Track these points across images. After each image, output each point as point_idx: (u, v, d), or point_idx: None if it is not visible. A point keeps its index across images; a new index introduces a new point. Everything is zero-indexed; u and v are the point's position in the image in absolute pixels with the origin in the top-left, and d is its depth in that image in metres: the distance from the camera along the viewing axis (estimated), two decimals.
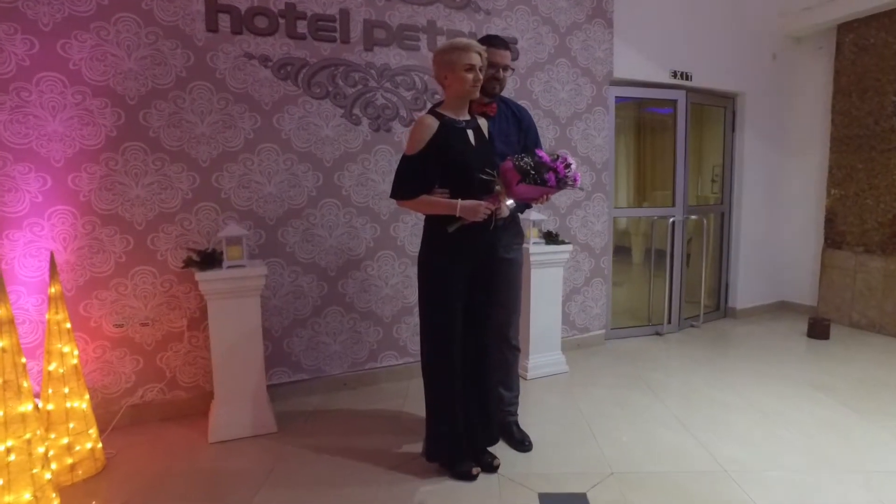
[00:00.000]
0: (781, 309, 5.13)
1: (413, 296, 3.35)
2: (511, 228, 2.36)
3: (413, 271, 3.34)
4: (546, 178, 1.95)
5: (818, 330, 4.21)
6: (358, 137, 3.11)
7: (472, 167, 2.03)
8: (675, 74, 4.15)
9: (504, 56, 2.26)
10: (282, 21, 2.85)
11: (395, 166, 3.25)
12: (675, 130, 4.27)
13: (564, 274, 3.72)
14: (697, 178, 5.22)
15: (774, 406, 2.92)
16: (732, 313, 4.91)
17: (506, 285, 2.35)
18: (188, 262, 2.56)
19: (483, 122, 2.22)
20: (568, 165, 2.00)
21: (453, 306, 2.11)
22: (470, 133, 2.11)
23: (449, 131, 2.04)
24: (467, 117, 2.14)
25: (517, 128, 2.38)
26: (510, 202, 2.08)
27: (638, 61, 4.01)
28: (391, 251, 3.27)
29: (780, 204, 5.02)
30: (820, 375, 3.39)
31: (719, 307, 4.93)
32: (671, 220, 4.27)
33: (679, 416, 2.81)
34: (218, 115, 2.77)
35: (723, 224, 4.82)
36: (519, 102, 2.57)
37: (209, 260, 2.57)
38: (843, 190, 4.51)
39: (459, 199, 2.00)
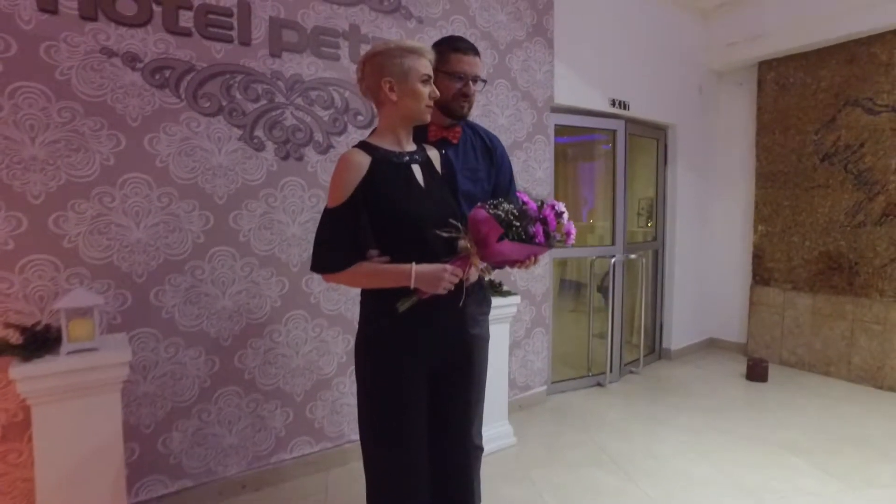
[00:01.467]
0: (711, 347, 5.01)
1: (330, 366, 2.67)
2: (475, 294, 1.79)
3: (330, 334, 2.66)
4: (532, 233, 1.41)
5: (757, 372, 4.06)
6: (260, 167, 2.41)
7: (425, 218, 1.46)
8: (613, 103, 3.86)
9: (476, 64, 1.71)
10: (157, 9, 2.12)
11: (308, 203, 2.62)
12: (613, 162, 3.97)
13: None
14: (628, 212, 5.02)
15: (755, 481, 2.58)
16: (668, 355, 4.68)
17: (474, 374, 1.76)
18: (2, 348, 1.72)
19: (434, 154, 1.64)
20: (559, 215, 1.45)
21: (412, 413, 1.50)
22: (417, 169, 1.53)
23: (386, 169, 1.47)
24: (412, 147, 1.57)
25: (488, 161, 1.82)
26: (482, 265, 1.50)
27: (578, 87, 3.67)
28: (303, 311, 2.57)
29: (710, 239, 4.93)
30: (783, 432, 3.14)
31: (654, 349, 4.69)
32: (612, 259, 3.95)
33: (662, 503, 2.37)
34: (59, 132, 1.97)
35: (657, 262, 4.60)
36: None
37: (39, 343, 1.75)
38: (770, 226, 4.47)
39: (414, 264, 1.42)
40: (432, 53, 1.51)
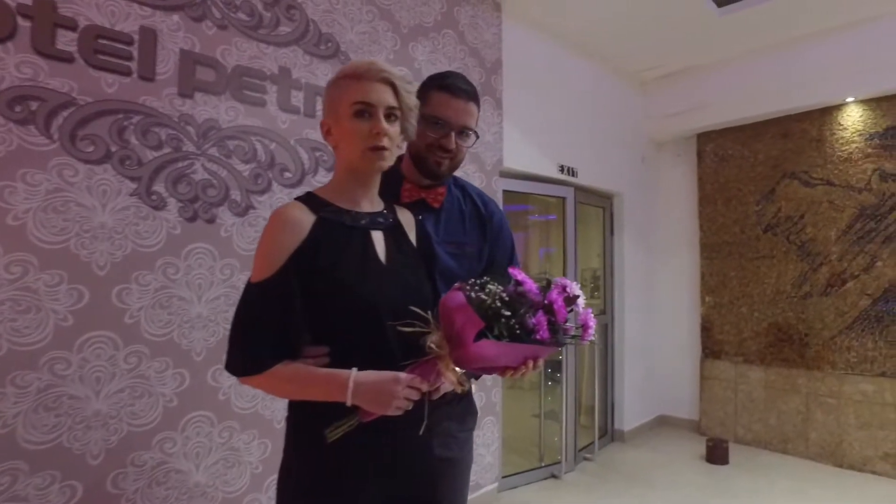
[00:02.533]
0: (663, 425, 4.73)
1: (240, 479, 2.09)
2: (455, 405, 1.35)
3: (243, 439, 2.10)
4: (532, 326, 0.98)
5: (717, 455, 3.78)
6: (159, 229, 1.90)
7: (382, 304, 1.05)
8: (562, 169, 3.67)
9: (467, 112, 1.31)
10: (25, 24, 1.65)
11: (219, 276, 2.11)
12: (563, 231, 3.74)
13: None
14: None
15: None
16: (621, 436, 4.34)
17: None
18: None
19: (408, 219, 1.25)
20: (572, 300, 1.05)
21: None
22: (378, 237, 1.14)
23: (335, 233, 1.08)
24: (376, 208, 1.17)
25: (479, 232, 1.41)
26: (457, 374, 1.04)
27: (527, 151, 3.45)
28: (207, 411, 2.01)
29: (657, 312, 4.76)
30: None
31: (607, 430, 4.34)
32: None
33: None
34: None
35: (606, 337, 4.34)
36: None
37: None
38: (718, 297, 4.36)
39: (354, 371, 0.99)
40: (381, 70, 1.09)
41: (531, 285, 1.02)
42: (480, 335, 0.95)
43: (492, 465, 3.16)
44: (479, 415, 2.92)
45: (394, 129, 1.10)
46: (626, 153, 4.44)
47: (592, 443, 3.98)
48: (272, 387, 1.05)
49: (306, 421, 1.06)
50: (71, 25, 1.72)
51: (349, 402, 0.98)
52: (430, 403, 1.08)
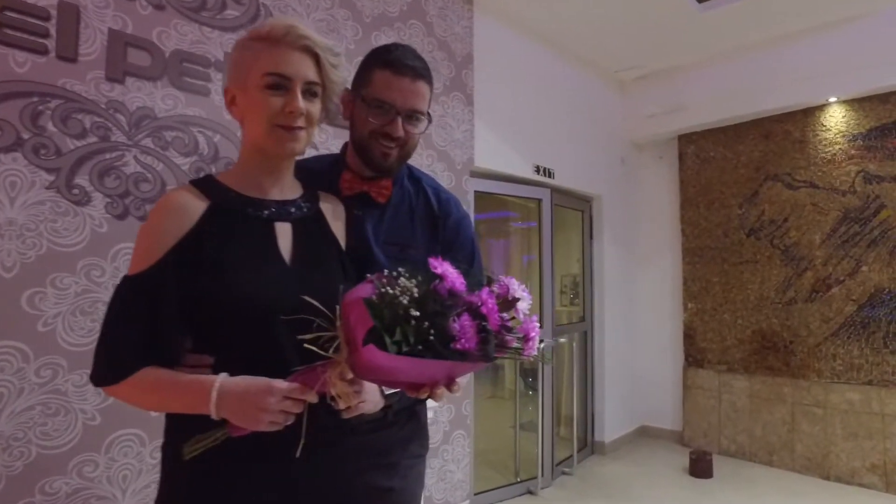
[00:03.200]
0: (644, 436, 4.57)
1: None
2: (403, 425, 1.16)
3: None
4: (453, 333, 0.77)
5: (701, 468, 3.63)
6: (82, 227, 1.72)
7: (277, 310, 0.88)
8: (538, 170, 3.53)
9: (417, 93, 1.11)
10: None
11: None
12: (539, 235, 3.59)
13: None
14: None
15: None
16: (601, 448, 4.18)
17: None
18: None
19: (333, 210, 1.07)
20: (508, 303, 0.86)
21: None
22: (284, 230, 0.97)
23: (229, 224, 0.93)
24: (289, 195, 1.01)
25: (428, 233, 1.21)
26: (348, 384, 0.84)
27: (501, 149, 3.30)
28: (136, 429, 1.81)
29: (638, 319, 4.61)
30: None
31: (587, 443, 4.17)
32: (540, 345, 3.45)
33: None
34: None
35: (586, 344, 4.18)
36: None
37: None
38: (700, 304, 4.22)
39: (221, 377, 0.83)
40: (300, 38, 0.92)
41: (454, 280, 0.81)
42: (378, 340, 0.75)
43: (462, 483, 2.98)
44: (443, 427, 2.75)
45: (313, 107, 0.94)
46: (606, 155, 4.31)
47: (571, 456, 3.81)
48: (136, 397, 0.90)
49: (174, 439, 0.90)
50: None
51: (214, 414, 0.82)
52: (345, 423, 0.89)
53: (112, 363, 0.86)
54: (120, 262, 1.79)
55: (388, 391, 1.00)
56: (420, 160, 2.80)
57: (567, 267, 4.40)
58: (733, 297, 4.04)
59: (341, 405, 0.84)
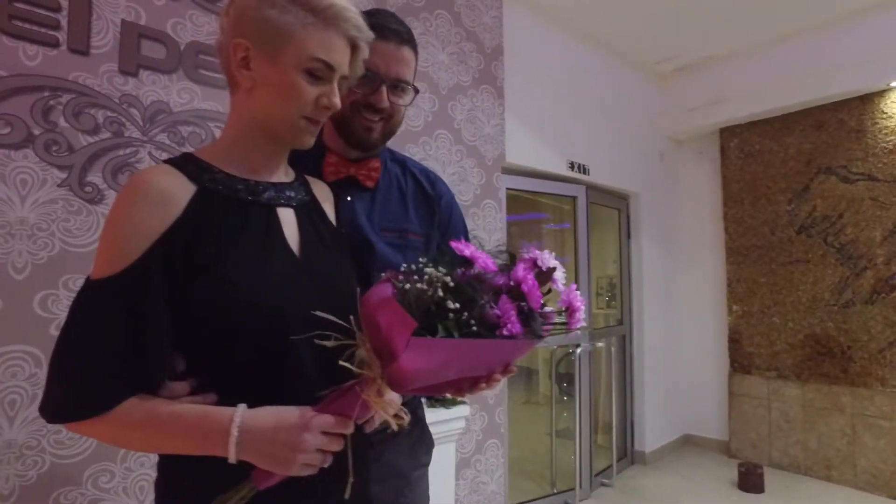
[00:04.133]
0: (688, 445, 4.33)
1: None
2: (406, 436, 1.03)
3: None
4: (495, 319, 0.69)
5: (751, 482, 3.39)
6: (95, 226, 1.64)
7: (291, 314, 0.75)
8: (573, 166, 3.36)
9: (402, 61, 1.01)
10: None
11: None
12: (574, 234, 3.42)
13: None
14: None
15: None
16: (642, 458, 3.96)
17: None
18: None
19: (325, 193, 0.96)
20: (545, 274, 0.76)
21: None
22: (287, 217, 0.84)
23: (223, 210, 0.77)
24: (284, 178, 0.88)
25: (425, 215, 1.11)
26: (392, 403, 0.75)
27: (533, 145, 3.16)
28: None
29: (680, 322, 4.39)
30: None
31: (626, 452, 3.96)
32: (578, 349, 3.29)
33: None
34: None
35: (625, 349, 3.98)
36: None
37: None
38: (746, 306, 3.98)
39: (241, 409, 0.68)
40: (361, 30, 0.81)
41: (486, 261, 0.72)
42: (417, 334, 0.65)
43: (496, 494, 2.83)
44: (475, 436, 2.62)
45: (335, 100, 0.81)
46: (643, 150, 4.11)
47: (610, 466, 3.61)
48: (115, 436, 0.73)
49: (179, 487, 0.75)
50: None
51: (233, 458, 0.67)
52: (366, 439, 0.78)
53: (83, 393, 0.68)
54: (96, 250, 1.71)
55: None
56: (449, 156, 2.68)
57: (603, 268, 4.21)
58: (783, 298, 3.78)
59: (373, 425, 0.73)
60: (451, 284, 0.67)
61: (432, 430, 2.04)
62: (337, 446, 0.70)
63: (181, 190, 0.75)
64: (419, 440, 1.11)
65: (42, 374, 1.54)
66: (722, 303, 4.15)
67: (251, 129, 0.81)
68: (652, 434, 4.01)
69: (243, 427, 0.67)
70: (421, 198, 1.12)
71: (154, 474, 1.68)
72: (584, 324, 0.79)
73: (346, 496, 0.71)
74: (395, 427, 0.72)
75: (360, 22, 0.80)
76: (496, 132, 2.91)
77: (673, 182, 4.43)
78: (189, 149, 1.75)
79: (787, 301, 3.76)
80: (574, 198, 3.41)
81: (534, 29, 3.23)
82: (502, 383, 2.82)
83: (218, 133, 1.90)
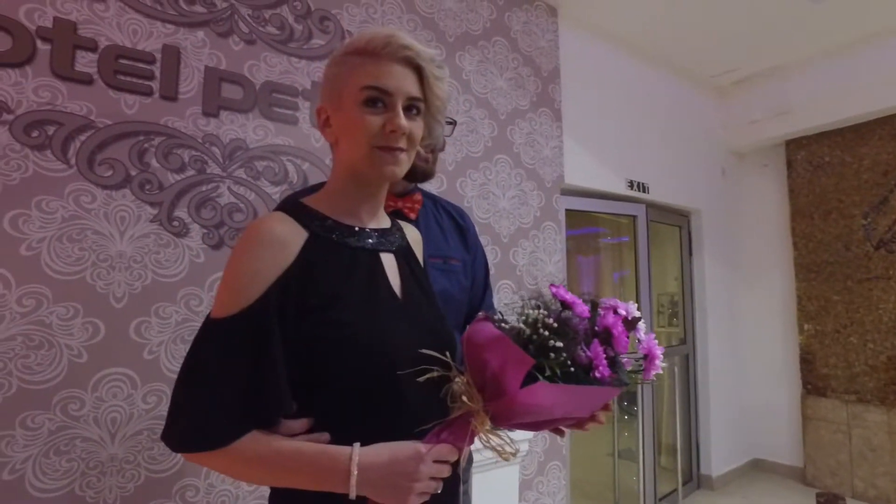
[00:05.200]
0: (757, 470, 4.15)
1: None
2: (466, 472, 1.14)
3: None
4: (586, 360, 0.73)
5: None
6: (181, 258, 1.77)
7: (403, 356, 0.79)
8: (631, 185, 3.33)
9: (439, 90, 1.10)
10: (44, 47, 1.58)
11: None
12: (635, 253, 3.38)
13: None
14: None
15: None
16: (708, 483, 3.82)
17: None
18: None
19: (415, 237, 1.02)
20: (631, 322, 0.80)
21: None
22: (389, 263, 0.89)
23: (333, 256, 0.83)
24: (381, 223, 0.93)
25: (461, 246, 1.23)
26: (495, 436, 0.78)
27: (592, 165, 3.15)
28: None
29: (746, 341, 4.23)
30: None
31: (692, 476, 3.84)
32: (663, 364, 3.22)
33: None
34: None
35: (688, 369, 3.87)
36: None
37: None
38: (819, 325, 3.79)
39: (356, 448, 0.74)
40: (402, 48, 0.82)
41: (583, 308, 0.77)
42: (526, 381, 0.70)
43: None
44: (537, 458, 2.62)
45: (415, 126, 0.83)
46: (704, 166, 4.02)
47: (675, 490, 3.51)
48: (233, 469, 0.76)
49: None
50: (91, 46, 1.65)
51: (353, 494, 0.72)
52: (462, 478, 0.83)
53: (206, 426, 0.72)
54: (216, 290, 1.83)
55: None
56: (509, 179, 2.72)
57: (663, 285, 4.12)
58: (860, 317, 3.59)
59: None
60: (554, 325, 0.71)
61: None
62: (447, 473, 0.75)
63: (295, 236, 0.80)
64: (467, 478, 1.20)
65: (137, 395, 1.67)
66: (791, 321, 3.97)
67: (346, 178, 0.87)
68: (719, 457, 3.87)
69: (361, 465, 0.72)
70: (455, 229, 1.25)
71: (234, 491, 1.78)
72: (661, 371, 0.82)
73: None
74: (506, 458, 0.77)
75: (407, 42, 0.82)
76: (555, 154, 2.93)
77: (736, 197, 4.30)
78: (265, 183, 1.88)
79: (866, 320, 3.57)
80: (633, 217, 3.37)
81: (590, 49, 3.24)
82: None
83: (290, 166, 2.01)
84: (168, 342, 1.73)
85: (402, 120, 0.81)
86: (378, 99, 0.81)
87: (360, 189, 0.88)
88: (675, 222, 3.87)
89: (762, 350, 4.16)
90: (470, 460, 1.23)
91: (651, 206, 3.49)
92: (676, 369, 3.63)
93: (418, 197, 1.17)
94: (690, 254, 3.95)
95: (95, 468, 1.59)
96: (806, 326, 3.86)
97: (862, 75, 3.46)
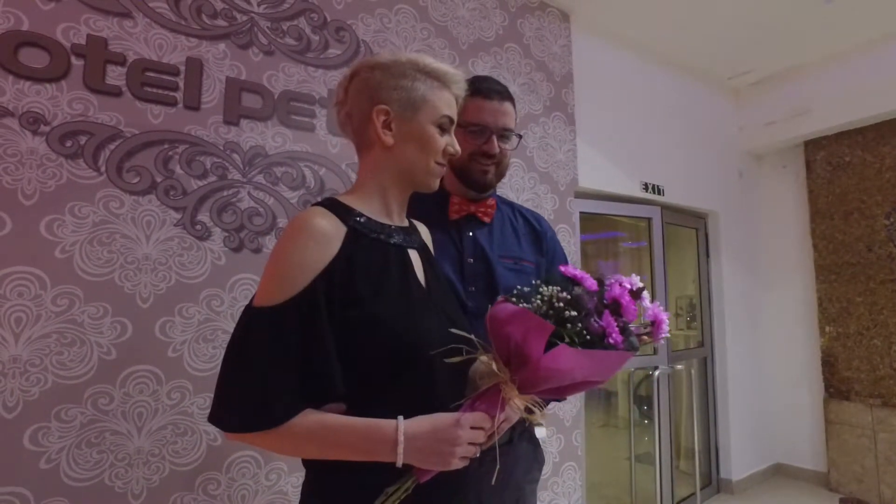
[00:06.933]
0: (780, 475, 4.09)
1: None
2: (517, 446, 1.18)
3: (291, 482, 1.97)
4: (600, 329, 0.81)
5: None
6: (203, 260, 1.86)
7: (433, 340, 0.87)
8: (646, 187, 3.35)
9: (506, 113, 1.25)
10: (78, 62, 1.68)
11: None
12: (650, 255, 3.39)
13: None
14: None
15: None
16: (728, 487, 3.79)
17: None
18: None
19: (427, 235, 1.10)
20: (636, 293, 0.87)
21: None
22: (416, 259, 0.98)
23: (371, 251, 0.91)
24: (405, 222, 1.02)
25: (536, 249, 1.31)
26: (525, 404, 0.86)
27: (606, 168, 3.18)
28: (254, 452, 1.90)
29: (766, 344, 4.18)
30: None
31: (711, 480, 3.80)
32: (655, 371, 3.23)
33: None
34: None
35: (706, 372, 3.85)
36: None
37: None
38: (841, 327, 3.74)
39: (401, 420, 0.81)
40: (464, 88, 1.00)
41: (590, 282, 0.85)
42: (550, 346, 0.78)
43: None
44: (552, 458, 2.64)
45: (457, 147, 1.00)
46: (721, 168, 4.01)
47: (694, 493, 3.49)
48: (281, 445, 0.83)
49: (333, 490, 0.86)
50: (120, 61, 1.74)
51: (400, 462, 0.79)
52: (499, 446, 0.89)
53: (266, 406, 0.78)
54: (237, 292, 1.91)
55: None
56: (523, 182, 2.76)
57: (682, 288, 4.11)
58: (884, 319, 3.53)
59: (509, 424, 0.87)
60: (568, 297, 0.80)
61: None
62: (483, 439, 0.83)
63: (337, 230, 0.87)
64: (533, 457, 1.24)
65: (162, 391, 1.75)
66: (812, 324, 3.92)
67: (392, 178, 0.96)
68: (739, 462, 3.83)
69: (407, 434, 0.79)
70: (530, 233, 1.33)
71: (254, 485, 1.85)
72: (668, 335, 0.89)
73: (493, 482, 0.85)
74: (532, 420, 0.87)
75: (465, 84, 1.00)
76: (568, 158, 2.97)
77: (754, 199, 4.27)
78: (283, 188, 1.96)
79: (890, 322, 3.51)
80: (649, 219, 3.38)
81: (603, 54, 3.27)
82: (579, 405, 2.82)
83: (307, 172, 2.08)
84: (191, 341, 1.81)
85: (456, 146, 0.98)
86: (447, 126, 0.97)
87: (404, 191, 0.98)
88: (692, 224, 3.86)
89: (783, 353, 4.11)
90: (541, 460, 1.29)
91: (666, 208, 3.50)
92: (694, 372, 3.62)
93: (491, 202, 1.28)
94: (707, 256, 3.94)
95: (123, 460, 1.68)
96: (827, 329, 3.81)
97: (881, 73, 3.43)
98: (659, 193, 3.41)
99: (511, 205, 1.39)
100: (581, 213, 3.09)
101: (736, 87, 4.11)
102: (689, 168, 3.73)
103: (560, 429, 2.79)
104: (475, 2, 2.66)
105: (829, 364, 3.80)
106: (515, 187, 2.74)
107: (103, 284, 1.68)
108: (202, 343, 1.83)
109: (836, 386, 3.76)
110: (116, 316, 1.69)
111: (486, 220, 1.26)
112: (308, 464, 0.91)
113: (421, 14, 2.46)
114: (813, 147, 3.93)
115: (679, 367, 3.46)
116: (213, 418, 0.83)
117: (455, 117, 0.98)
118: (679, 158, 3.66)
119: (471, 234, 1.23)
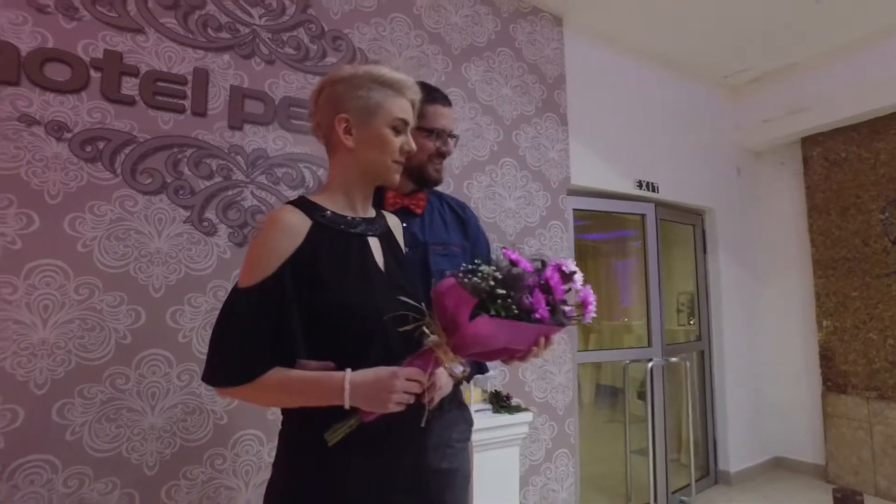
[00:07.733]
0: (778, 468, 4.15)
1: None
2: (447, 412, 1.31)
3: None
4: (529, 305, 0.95)
5: None
6: (210, 254, 2.03)
7: (385, 315, 1.03)
8: (640, 184, 3.45)
9: (451, 118, 1.42)
10: (96, 75, 1.86)
11: None
12: (644, 251, 3.48)
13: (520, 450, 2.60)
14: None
15: None
16: (726, 479, 3.86)
17: None
18: None
19: (396, 223, 1.26)
20: (567, 276, 1.00)
21: None
22: (374, 244, 1.13)
23: (332, 240, 1.06)
24: (369, 213, 1.17)
25: (461, 235, 1.46)
26: (458, 367, 1.00)
27: (599, 167, 3.29)
28: (257, 430, 2.06)
29: (764, 338, 4.25)
30: None
31: (709, 471, 3.88)
32: (649, 364, 3.33)
33: None
34: None
35: (703, 365, 3.93)
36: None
37: None
38: (838, 321, 3.79)
39: (348, 372, 0.98)
40: (417, 93, 1.15)
41: (526, 264, 0.99)
42: (473, 315, 0.92)
43: (566, 502, 2.94)
44: (545, 445, 2.76)
45: (412, 145, 1.15)
46: (718, 166, 4.08)
47: (689, 484, 3.57)
48: (257, 396, 1.02)
49: (299, 434, 1.05)
50: (133, 72, 1.92)
51: (347, 405, 0.96)
52: (428, 404, 1.05)
53: (244, 364, 0.97)
54: (241, 267, 2.07)
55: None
56: (514, 181, 2.89)
57: (683, 284, 4.19)
58: (880, 313, 3.58)
59: (443, 383, 1.05)
60: (500, 277, 0.94)
61: (498, 433, 2.31)
62: (417, 389, 0.98)
63: (303, 224, 1.04)
64: (461, 418, 1.38)
65: (173, 373, 1.93)
66: (809, 318, 3.98)
67: (355, 176, 1.12)
68: (737, 454, 3.90)
69: (352, 382, 0.96)
70: (456, 220, 1.46)
71: (257, 461, 2.01)
72: (594, 315, 1.02)
73: (422, 423, 1.01)
74: (458, 377, 1.01)
75: (418, 90, 1.15)
76: (560, 157, 3.09)
77: (752, 195, 4.33)
78: (283, 188, 2.12)
79: (886, 316, 3.56)
80: (643, 216, 3.48)
81: (597, 55, 3.38)
82: (572, 395, 2.93)
83: (307, 172, 2.25)
84: (199, 328, 1.98)
85: (413, 144, 1.13)
86: (400, 127, 1.11)
87: (366, 187, 1.15)
88: (688, 221, 3.94)
89: (781, 347, 4.17)
90: (469, 421, 1.42)
91: (661, 204, 3.59)
92: (688, 364, 3.70)
93: (422, 195, 1.42)
94: (705, 252, 4.02)
95: (139, 434, 1.85)
96: (825, 323, 3.87)
97: (876, 70, 3.48)
98: (653, 191, 3.51)
99: (439, 195, 1.52)
100: (575, 209, 3.20)
101: (733, 85, 4.18)
102: (686, 165, 3.81)
103: (552, 417, 2.91)
104: (468, 9, 2.80)
105: (826, 357, 3.86)
106: (507, 185, 2.87)
107: (120, 276, 1.86)
108: (209, 330, 1.95)
109: (834, 379, 3.81)
110: (132, 304, 1.87)
111: (418, 211, 1.39)
112: (284, 412, 1.09)
113: (415, 22, 2.61)
114: (810, 143, 3.99)
115: (674, 359, 3.55)
116: (206, 377, 1.02)
117: (410, 119, 1.12)
118: (675, 156, 3.75)
119: (405, 224, 1.32)
